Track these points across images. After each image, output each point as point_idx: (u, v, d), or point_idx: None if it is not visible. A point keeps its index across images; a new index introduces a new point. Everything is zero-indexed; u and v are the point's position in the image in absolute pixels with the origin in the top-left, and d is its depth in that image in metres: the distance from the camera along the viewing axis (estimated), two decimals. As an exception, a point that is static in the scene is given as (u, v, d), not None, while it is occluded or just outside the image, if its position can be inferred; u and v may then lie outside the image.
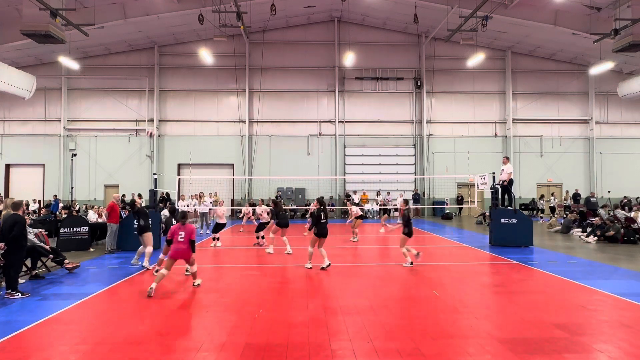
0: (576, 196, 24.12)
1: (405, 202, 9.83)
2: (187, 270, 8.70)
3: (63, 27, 16.40)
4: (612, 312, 6.02)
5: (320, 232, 9.12)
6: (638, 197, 25.37)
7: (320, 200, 9.45)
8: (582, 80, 26.89)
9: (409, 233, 9.44)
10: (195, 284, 7.73)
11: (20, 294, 6.97)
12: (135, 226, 9.83)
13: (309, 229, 9.57)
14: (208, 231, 16.21)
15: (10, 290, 6.95)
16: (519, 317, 5.81)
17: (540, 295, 6.98)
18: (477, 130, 26.87)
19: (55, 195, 23.97)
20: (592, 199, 20.81)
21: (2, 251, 6.98)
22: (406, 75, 26.79)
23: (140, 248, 9.93)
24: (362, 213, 14.75)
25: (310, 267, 9.26)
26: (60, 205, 22.15)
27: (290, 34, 26.48)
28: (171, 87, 26.26)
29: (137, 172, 25.73)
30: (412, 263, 9.45)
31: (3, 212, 7.48)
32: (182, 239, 7.39)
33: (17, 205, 7.28)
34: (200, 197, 18.32)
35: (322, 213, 9.17)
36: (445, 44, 25.09)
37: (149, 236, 9.58)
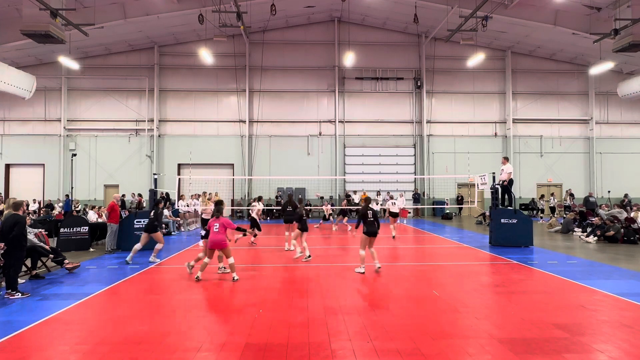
0: (570, 196, 24.15)
1: (300, 200, 11.16)
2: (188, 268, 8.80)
3: (63, 27, 16.38)
4: (612, 312, 6.02)
5: (370, 231, 8.84)
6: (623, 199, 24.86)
7: (367, 199, 9.29)
8: (582, 80, 26.88)
9: (302, 228, 10.51)
10: (234, 279, 8.05)
11: (20, 294, 6.97)
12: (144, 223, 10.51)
13: (356, 227, 9.47)
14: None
15: (10, 290, 6.95)
16: (519, 317, 5.81)
17: (540, 295, 6.98)
18: (477, 130, 26.87)
19: (68, 195, 23.88)
20: (591, 199, 20.85)
21: (2, 251, 6.98)
22: (406, 75, 26.78)
23: (137, 245, 10.15)
24: (395, 211, 15.60)
25: (363, 272, 8.71)
26: (60, 205, 22.16)
27: (290, 34, 26.47)
28: (171, 87, 26.26)
29: (137, 172, 25.72)
30: (309, 256, 10.29)
31: (5, 212, 7.49)
32: (217, 230, 8.08)
33: (17, 205, 7.30)
34: (204, 195, 18.24)
35: (369, 211, 8.90)
36: (445, 44, 25.10)
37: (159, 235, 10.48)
